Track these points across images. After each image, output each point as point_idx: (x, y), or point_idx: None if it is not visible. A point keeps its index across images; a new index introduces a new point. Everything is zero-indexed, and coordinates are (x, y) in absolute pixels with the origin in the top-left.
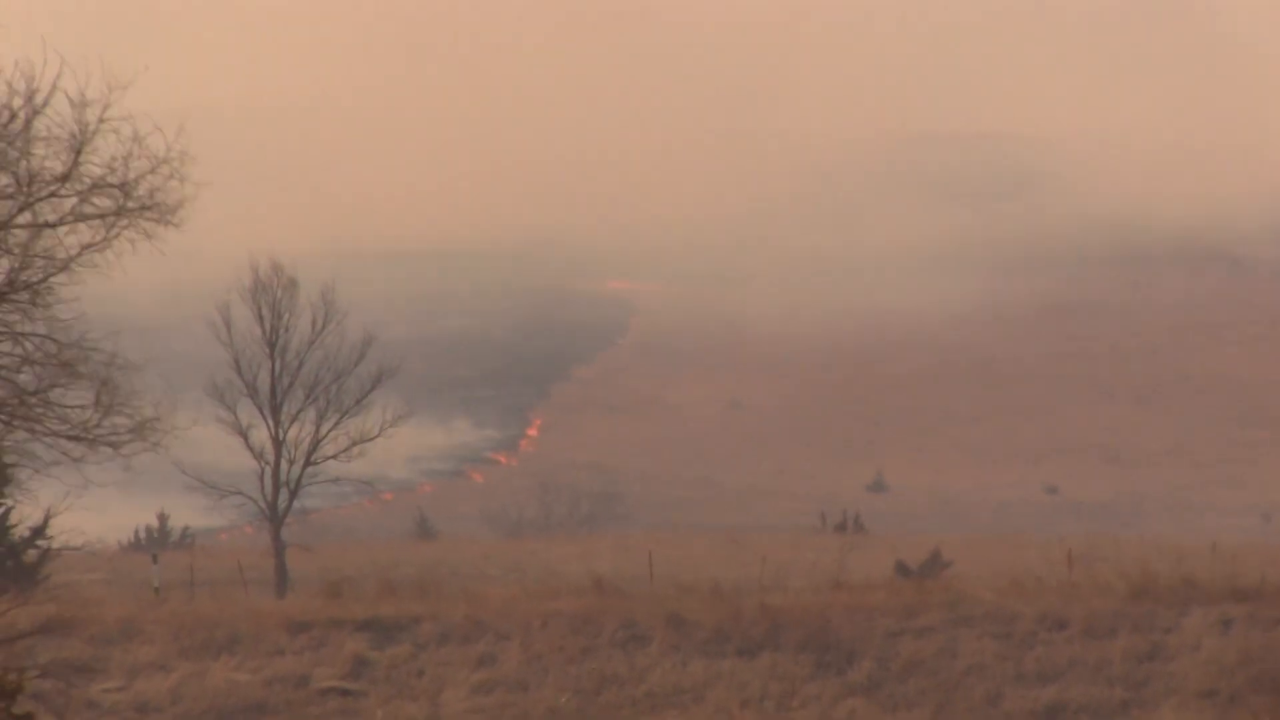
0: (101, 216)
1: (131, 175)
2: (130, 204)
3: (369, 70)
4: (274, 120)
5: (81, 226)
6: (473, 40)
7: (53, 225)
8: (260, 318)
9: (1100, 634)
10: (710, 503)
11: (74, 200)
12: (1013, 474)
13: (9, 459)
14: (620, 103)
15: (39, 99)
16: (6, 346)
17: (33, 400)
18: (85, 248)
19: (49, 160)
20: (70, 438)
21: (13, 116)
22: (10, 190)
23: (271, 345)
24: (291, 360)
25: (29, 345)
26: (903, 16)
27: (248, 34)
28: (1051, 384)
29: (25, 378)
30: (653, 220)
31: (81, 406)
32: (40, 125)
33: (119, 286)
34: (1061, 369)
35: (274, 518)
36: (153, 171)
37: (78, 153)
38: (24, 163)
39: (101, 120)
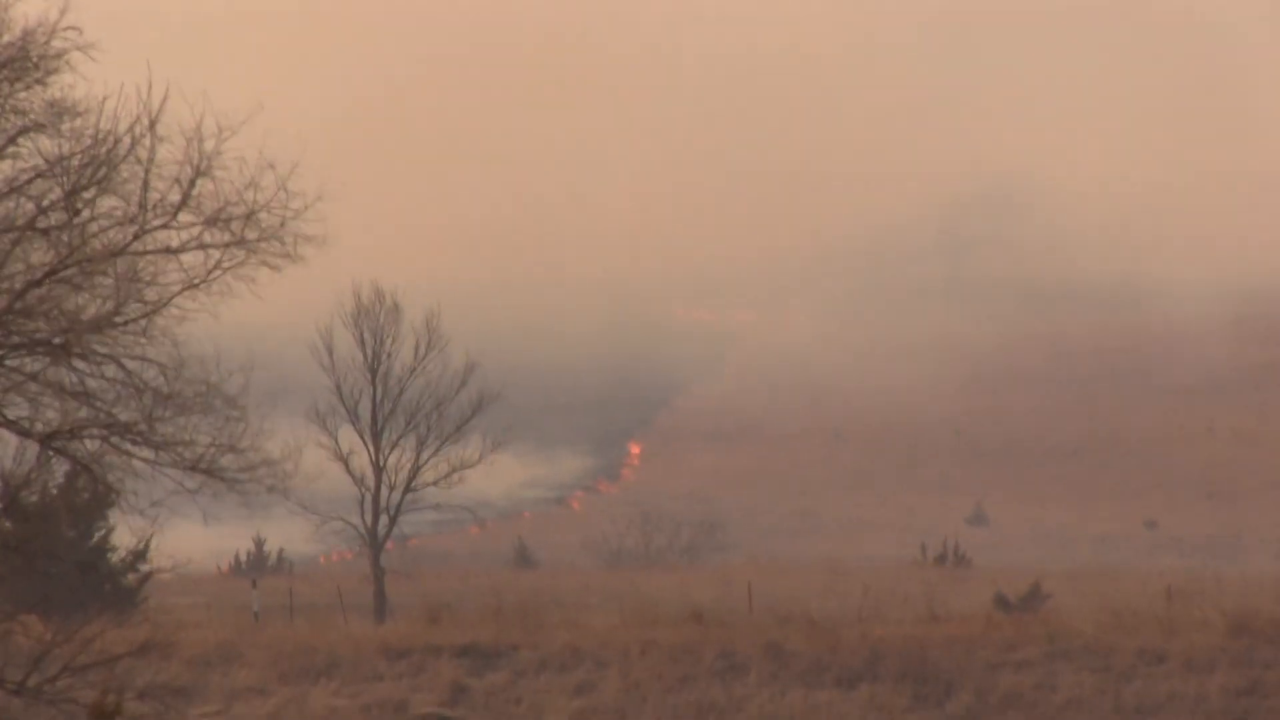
0: (221, 246)
1: (252, 207)
2: (251, 235)
3: (461, 103)
4: (377, 149)
5: (195, 258)
6: (571, 77)
7: (174, 251)
8: (362, 343)
9: (1199, 669)
10: (811, 533)
11: (193, 230)
12: (1113, 509)
13: (118, 484)
14: (717, 136)
15: (150, 121)
16: (112, 373)
17: (144, 429)
18: (192, 283)
19: (167, 189)
20: (187, 469)
21: (131, 142)
22: (127, 217)
23: (373, 371)
24: (393, 386)
25: (135, 375)
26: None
27: (348, 60)
28: (1152, 419)
29: (134, 409)
30: (757, 251)
31: (194, 443)
32: (157, 153)
33: (224, 315)
34: (1161, 404)
35: (374, 544)
36: (271, 203)
37: (192, 182)
38: (140, 190)
39: (216, 154)
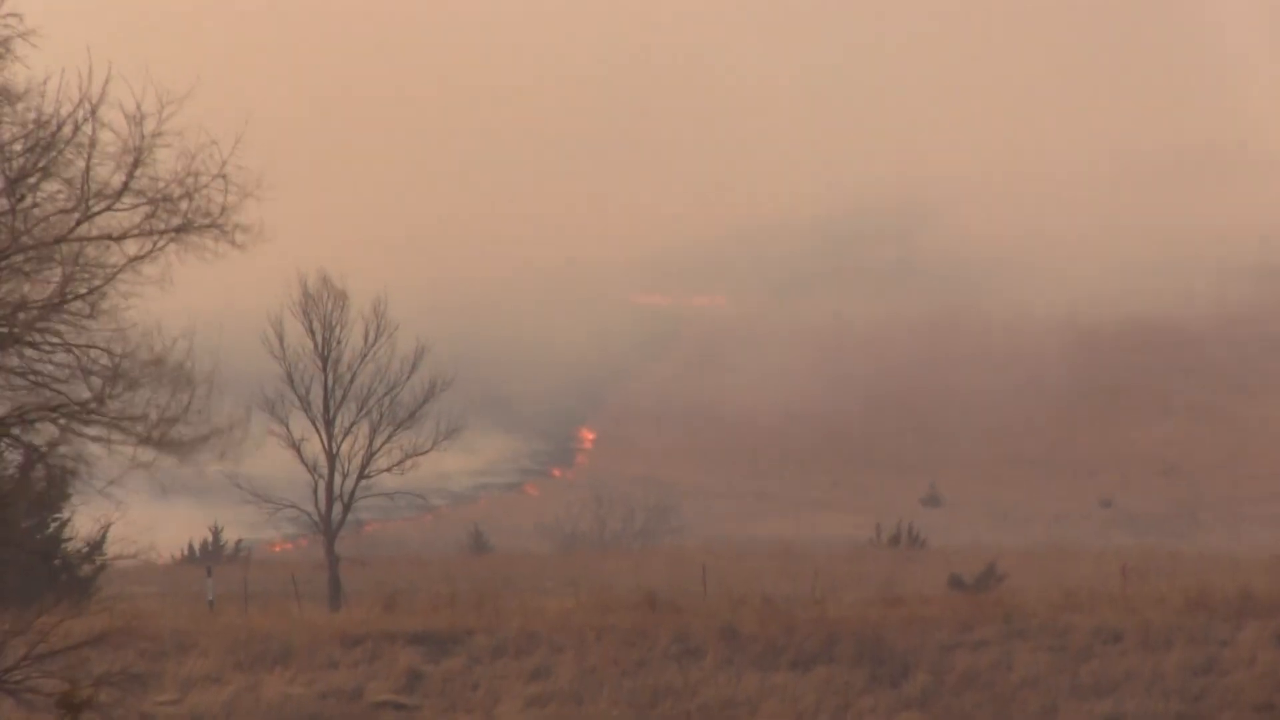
0: (162, 232)
1: (194, 189)
2: (193, 219)
3: (404, 94)
4: (325, 137)
5: (138, 243)
6: (522, 68)
7: (115, 239)
8: (311, 331)
9: (1156, 647)
10: (765, 515)
11: (133, 214)
12: (1068, 487)
13: (72, 465)
14: (660, 128)
15: (92, 107)
16: (61, 358)
17: (94, 407)
18: (135, 259)
19: (110, 174)
20: (139, 443)
21: (74, 127)
22: (69, 203)
23: (324, 358)
24: (344, 373)
25: (83, 356)
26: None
27: (303, 47)
28: (1106, 397)
29: (82, 387)
30: (708, 234)
31: (145, 416)
32: (99, 137)
33: (171, 303)
34: (1115, 382)
35: (328, 531)
36: (213, 185)
37: (134, 165)
38: (81, 174)
39: (158, 134)
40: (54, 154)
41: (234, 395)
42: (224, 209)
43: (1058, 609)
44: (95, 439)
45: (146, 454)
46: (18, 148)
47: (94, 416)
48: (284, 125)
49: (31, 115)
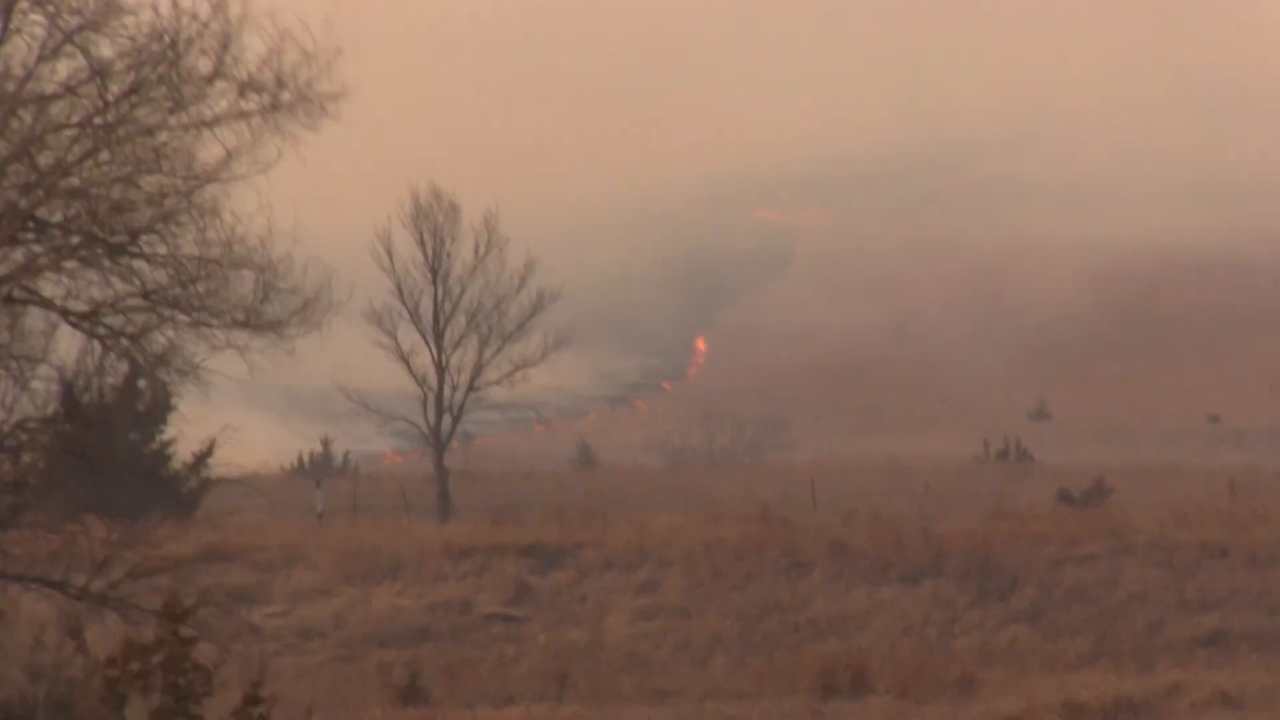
0: (256, 114)
1: (284, 69)
2: (285, 97)
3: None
4: (440, 52)
5: (236, 129)
6: None
7: (208, 125)
8: (422, 244)
9: (1262, 563)
10: (874, 431)
11: (226, 102)
12: (1175, 404)
13: (168, 359)
14: (783, 34)
15: None
16: (163, 254)
17: (191, 291)
18: (236, 150)
19: (199, 61)
20: (232, 324)
21: (189, 41)
22: (161, 94)
23: (434, 271)
24: (454, 286)
25: (185, 257)
26: None
27: None
28: (1212, 314)
29: (168, 278)
30: (821, 152)
31: (231, 300)
32: (185, 27)
33: (278, 217)
34: (1222, 299)
35: (437, 444)
36: (305, 65)
37: (224, 49)
38: (172, 65)
39: (244, 17)
40: (172, 65)
41: (346, 323)
42: (309, 84)
43: (1165, 525)
44: (187, 324)
45: (239, 337)
46: (129, 62)
47: (180, 303)
48: (389, 45)
49: (144, 29)
